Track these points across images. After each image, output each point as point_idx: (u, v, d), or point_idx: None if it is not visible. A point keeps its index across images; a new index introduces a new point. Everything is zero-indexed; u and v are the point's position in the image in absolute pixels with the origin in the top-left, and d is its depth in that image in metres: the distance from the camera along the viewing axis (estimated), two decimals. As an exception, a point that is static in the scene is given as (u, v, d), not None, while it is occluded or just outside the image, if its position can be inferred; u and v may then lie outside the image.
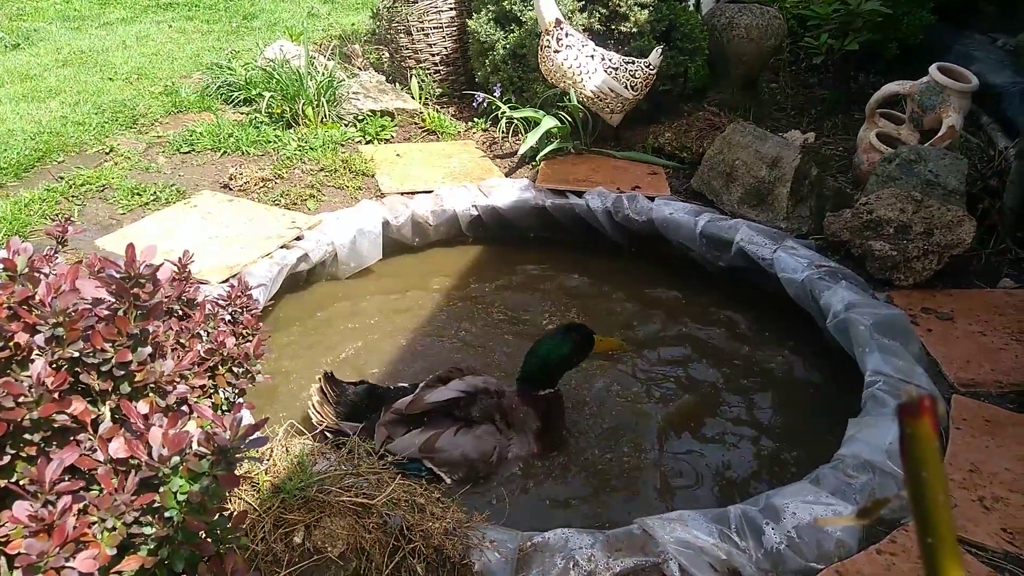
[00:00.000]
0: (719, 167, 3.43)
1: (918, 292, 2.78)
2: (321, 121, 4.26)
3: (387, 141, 4.22)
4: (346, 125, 4.29)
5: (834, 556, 1.76)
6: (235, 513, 1.27)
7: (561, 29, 3.71)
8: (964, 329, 2.58)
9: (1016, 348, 2.48)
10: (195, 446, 1.15)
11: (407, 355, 2.89)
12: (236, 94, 4.63)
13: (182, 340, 1.49)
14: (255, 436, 1.19)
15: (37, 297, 1.19)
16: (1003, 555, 1.77)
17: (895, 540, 1.80)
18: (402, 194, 3.60)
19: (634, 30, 4.07)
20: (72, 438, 1.17)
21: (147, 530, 1.10)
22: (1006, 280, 2.88)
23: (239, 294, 1.72)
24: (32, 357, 1.18)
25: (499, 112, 4.14)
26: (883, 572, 1.71)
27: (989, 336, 2.55)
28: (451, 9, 4.61)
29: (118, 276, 1.26)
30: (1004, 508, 1.90)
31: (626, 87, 3.78)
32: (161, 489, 1.12)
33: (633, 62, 3.80)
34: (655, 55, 3.81)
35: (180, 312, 1.59)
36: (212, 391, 1.50)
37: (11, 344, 1.17)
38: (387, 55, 5.04)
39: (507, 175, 3.82)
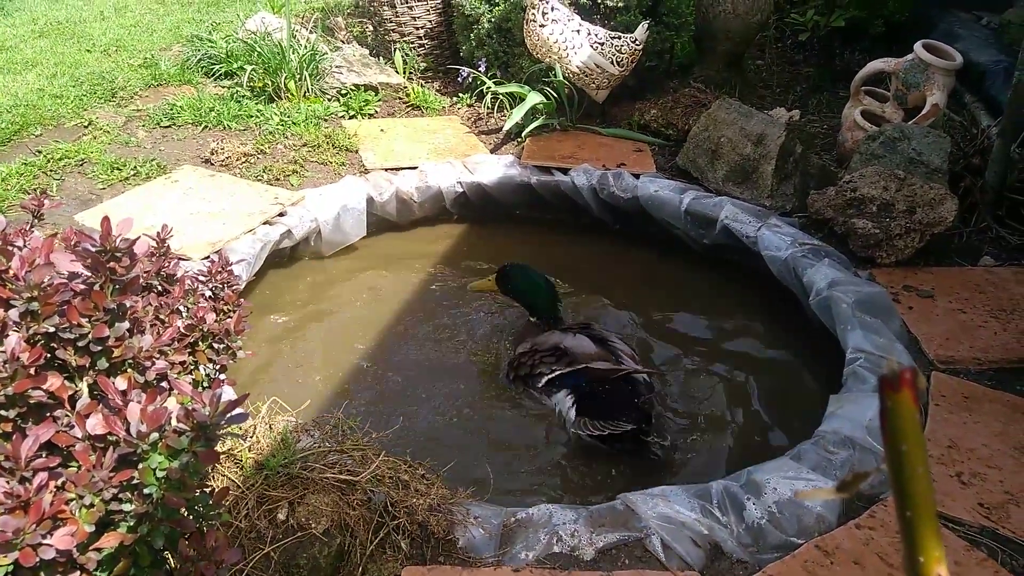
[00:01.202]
0: (704, 144, 3.42)
1: (900, 270, 2.79)
2: (304, 95, 4.20)
3: (371, 116, 4.18)
4: (329, 99, 4.23)
5: (814, 531, 1.78)
6: (216, 490, 1.26)
7: (547, 3, 3.66)
8: (944, 307, 2.60)
9: (995, 325, 2.51)
10: (174, 422, 1.14)
11: (392, 333, 2.88)
12: (217, 67, 4.55)
13: (161, 316, 1.47)
14: (235, 412, 1.18)
15: (11, 271, 1.17)
16: (979, 529, 1.80)
17: (874, 515, 1.82)
18: (386, 170, 3.57)
19: (620, 4, 4.03)
20: (49, 414, 1.16)
21: (126, 507, 1.09)
22: (986, 258, 2.90)
23: (219, 269, 1.70)
24: (6, 332, 1.16)
25: (484, 87, 4.10)
26: (862, 546, 1.74)
27: (969, 314, 2.57)
28: (436, -18, 4.54)
29: (94, 250, 1.24)
30: (981, 483, 1.92)
31: (612, 62, 3.75)
32: (140, 466, 1.11)
33: (619, 37, 3.77)
34: (641, 30, 3.78)
35: (159, 287, 1.57)
36: (192, 367, 1.49)
37: (-15, 319, 1.15)
38: (370, 28, 4.97)
39: (492, 151, 3.79)
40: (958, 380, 2.29)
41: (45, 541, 1.02)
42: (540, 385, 2.39)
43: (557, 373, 2.35)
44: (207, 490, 1.23)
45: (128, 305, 1.30)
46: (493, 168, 3.57)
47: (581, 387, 2.31)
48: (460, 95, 4.35)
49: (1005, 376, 2.32)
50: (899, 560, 1.67)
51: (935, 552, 0.40)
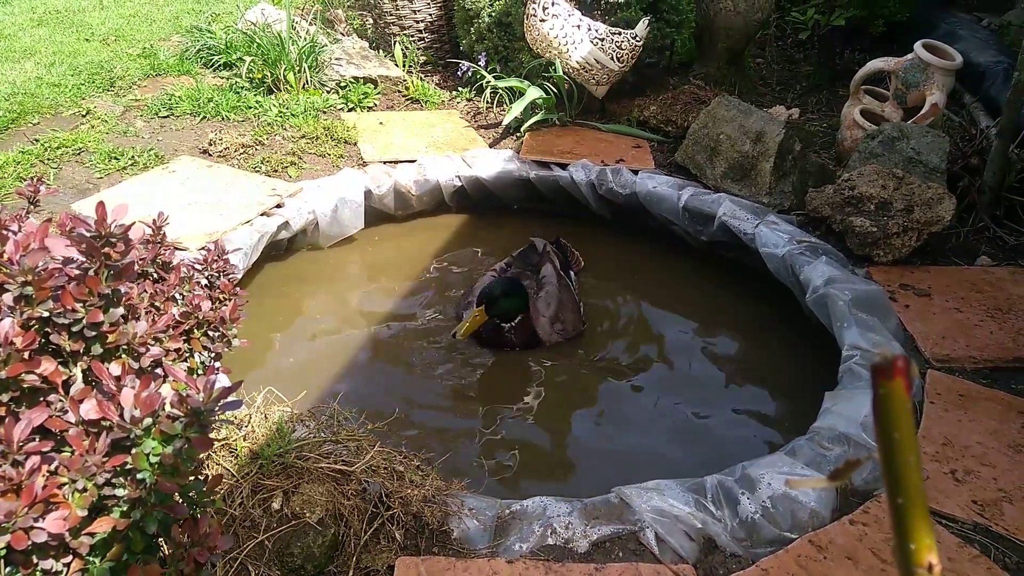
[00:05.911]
0: (703, 141, 3.42)
1: (897, 268, 2.80)
2: (303, 87, 4.19)
3: (370, 109, 4.17)
4: (328, 92, 4.23)
5: (808, 526, 1.79)
6: (210, 477, 1.26)
7: (547, -2, 3.66)
8: (941, 306, 2.61)
9: (991, 325, 2.51)
10: (168, 408, 1.14)
11: (389, 324, 2.87)
12: (216, 58, 4.54)
13: (156, 303, 1.46)
14: (230, 399, 1.18)
15: (5, 255, 1.17)
16: (972, 526, 1.80)
17: (868, 511, 1.82)
18: (385, 163, 3.56)
19: (621, 0, 4.03)
20: (42, 399, 1.15)
21: (119, 492, 1.09)
22: (983, 258, 2.90)
23: (215, 258, 1.70)
24: (0, 316, 1.15)
25: (484, 82, 4.09)
26: (855, 542, 1.74)
27: (965, 313, 2.57)
28: (436, -25, 4.53)
29: (88, 235, 1.24)
30: (975, 481, 1.93)
31: (612, 58, 3.75)
32: (133, 451, 1.11)
33: (619, 33, 3.76)
34: (642, 26, 3.77)
35: (155, 275, 1.57)
36: (187, 355, 1.48)
37: (-21, 303, 1.14)
38: (370, 21, 4.96)
39: (491, 146, 3.78)
40: (953, 378, 2.29)
41: (37, 524, 1.02)
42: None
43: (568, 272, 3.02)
44: (201, 477, 1.23)
45: (123, 291, 1.29)
46: (492, 162, 3.56)
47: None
48: (459, 89, 4.34)
49: (1000, 375, 2.32)
50: (892, 556, 1.67)
51: (926, 540, 0.40)
